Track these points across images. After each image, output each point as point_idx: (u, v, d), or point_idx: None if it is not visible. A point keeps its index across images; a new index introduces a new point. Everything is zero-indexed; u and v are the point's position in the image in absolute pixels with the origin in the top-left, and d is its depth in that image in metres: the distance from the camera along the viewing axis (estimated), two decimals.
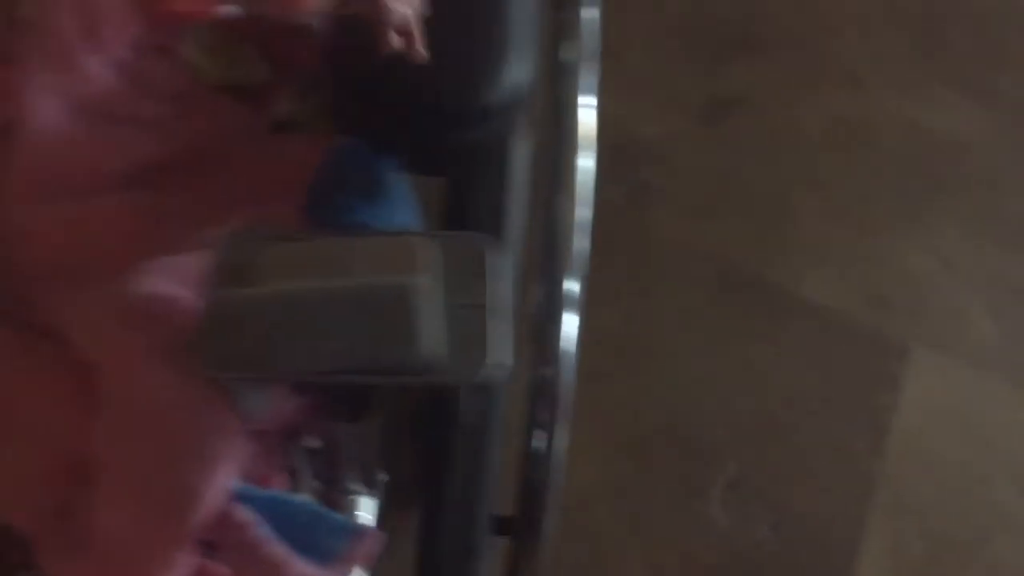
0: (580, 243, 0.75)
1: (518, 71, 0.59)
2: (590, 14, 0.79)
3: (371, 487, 0.54)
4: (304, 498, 0.42)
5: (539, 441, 0.75)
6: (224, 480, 0.41)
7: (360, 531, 0.41)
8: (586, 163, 0.78)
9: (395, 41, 0.51)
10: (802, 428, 1.33)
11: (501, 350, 0.38)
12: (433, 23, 0.52)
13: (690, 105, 1.56)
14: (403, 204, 0.47)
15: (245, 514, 0.41)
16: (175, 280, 0.46)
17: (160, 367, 0.42)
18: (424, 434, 0.60)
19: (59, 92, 0.54)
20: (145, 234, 0.51)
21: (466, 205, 0.50)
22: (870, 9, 1.64)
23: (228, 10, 0.59)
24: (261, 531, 0.40)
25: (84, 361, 0.45)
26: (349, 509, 0.50)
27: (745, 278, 1.42)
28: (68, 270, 0.50)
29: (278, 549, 0.40)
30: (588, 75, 0.77)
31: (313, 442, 0.50)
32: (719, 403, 1.34)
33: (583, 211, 0.76)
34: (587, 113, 0.78)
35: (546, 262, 0.74)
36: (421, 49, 0.52)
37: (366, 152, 0.48)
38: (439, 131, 0.50)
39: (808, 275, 1.42)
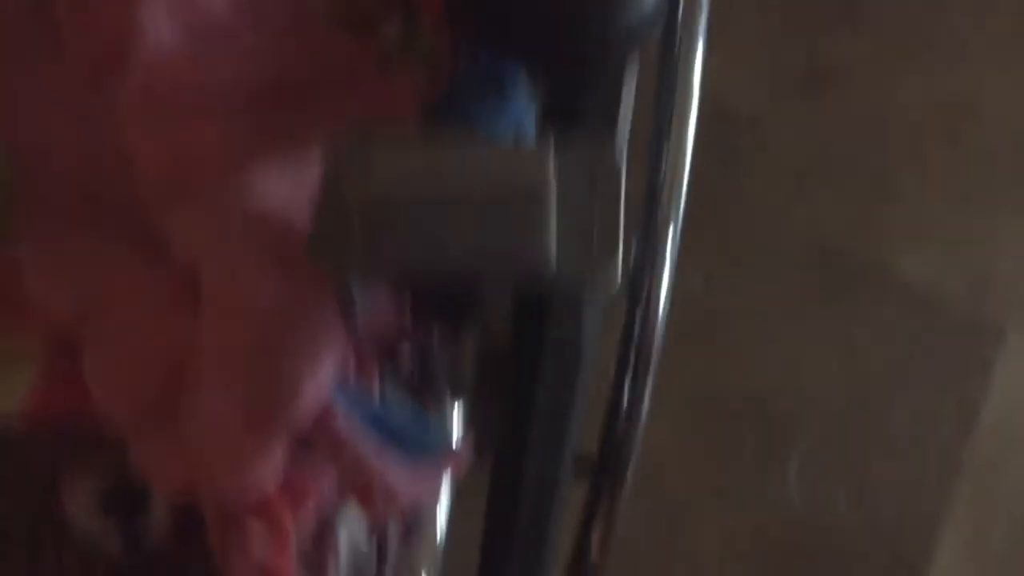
0: (680, 198, 0.75)
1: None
2: None
3: (460, 401, 0.55)
4: (397, 401, 0.42)
5: (626, 389, 0.76)
6: (325, 377, 0.42)
7: (452, 436, 0.41)
8: (692, 121, 0.77)
9: None
10: (887, 407, 1.31)
11: (617, 268, 0.38)
12: None
13: (790, 76, 1.53)
14: (523, 107, 0.46)
15: (343, 415, 0.41)
16: (278, 193, 0.46)
17: (266, 273, 0.43)
18: (513, 364, 0.60)
19: (173, 12, 0.55)
20: (253, 156, 0.52)
21: (579, 110, 0.49)
22: None
23: None
24: (357, 430, 0.41)
25: (188, 269, 0.46)
26: (439, 421, 0.50)
27: (839, 252, 1.40)
28: (175, 187, 0.51)
29: (374, 448, 0.41)
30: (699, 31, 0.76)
31: (407, 353, 0.50)
32: (803, 376, 1.33)
33: (687, 161, 0.76)
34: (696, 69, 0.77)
35: (648, 208, 0.73)
36: None
37: (489, 63, 0.47)
38: (572, 44, 0.48)
39: (905, 253, 1.39)
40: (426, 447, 0.42)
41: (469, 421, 0.56)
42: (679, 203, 0.76)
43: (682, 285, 1.36)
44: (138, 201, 0.50)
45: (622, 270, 0.73)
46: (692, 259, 1.35)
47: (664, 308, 0.76)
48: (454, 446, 0.42)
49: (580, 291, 0.37)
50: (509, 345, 0.65)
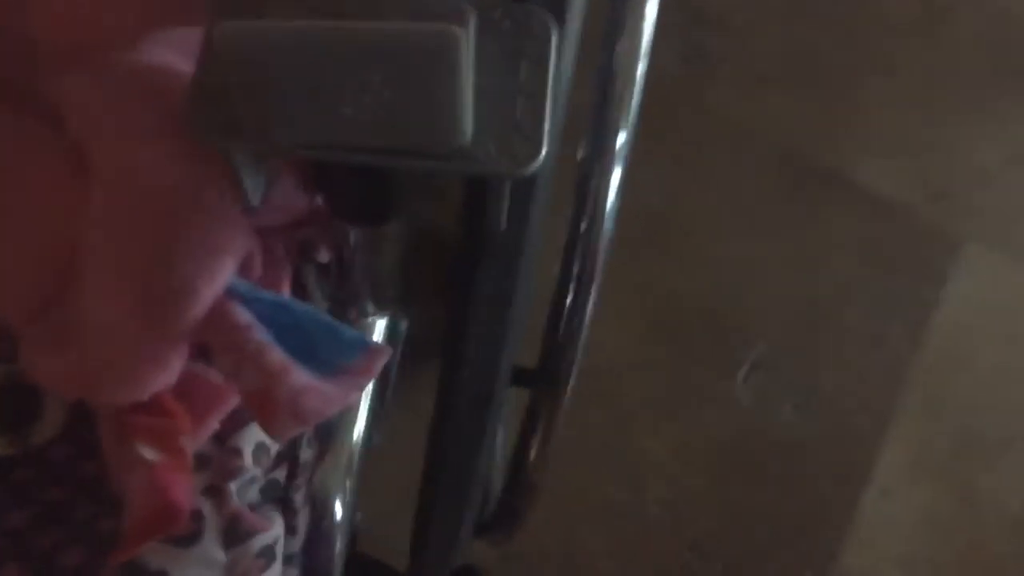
0: (635, 97, 0.72)
1: None
2: None
3: (383, 311, 0.52)
4: (309, 307, 0.39)
5: (569, 295, 0.73)
6: (223, 276, 0.38)
7: (369, 345, 0.38)
8: (651, 10, 0.73)
9: None
10: (840, 315, 1.30)
11: (547, 139, 0.33)
12: None
13: None
14: None
15: (244, 316, 0.38)
16: (178, 51, 0.42)
17: (157, 143, 0.39)
18: (448, 269, 0.57)
19: None
20: (153, 18, 0.47)
21: None
22: None
23: None
24: (261, 335, 0.37)
25: (80, 146, 0.42)
26: (360, 331, 0.47)
27: (801, 159, 1.37)
28: (68, 46, 0.47)
29: (279, 355, 0.38)
30: None
31: (323, 256, 0.47)
32: (758, 285, 1.31)
33: (642, 64, 0.72)
34: None
35: (598, 110, 0.70)
36: None
37: None
38: None
39: (867, 160, 1.37)
40: (338, 359, 0.39)
41: (393, 334, 0.53)
42: (631, 102, 0.73)
43: (638, 190, 1.34)
44: (33, 66, 0.46)
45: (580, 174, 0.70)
46: (649, 163, 1.33)
47: (613, 212, 0.73)
48: (375, 352, 0.39)
49: (498, 170, 0.33)
50: (445, 253, 0.62)
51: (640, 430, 1.25)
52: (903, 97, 1.41)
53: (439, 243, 0.60)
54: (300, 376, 0.38)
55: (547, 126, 0.34)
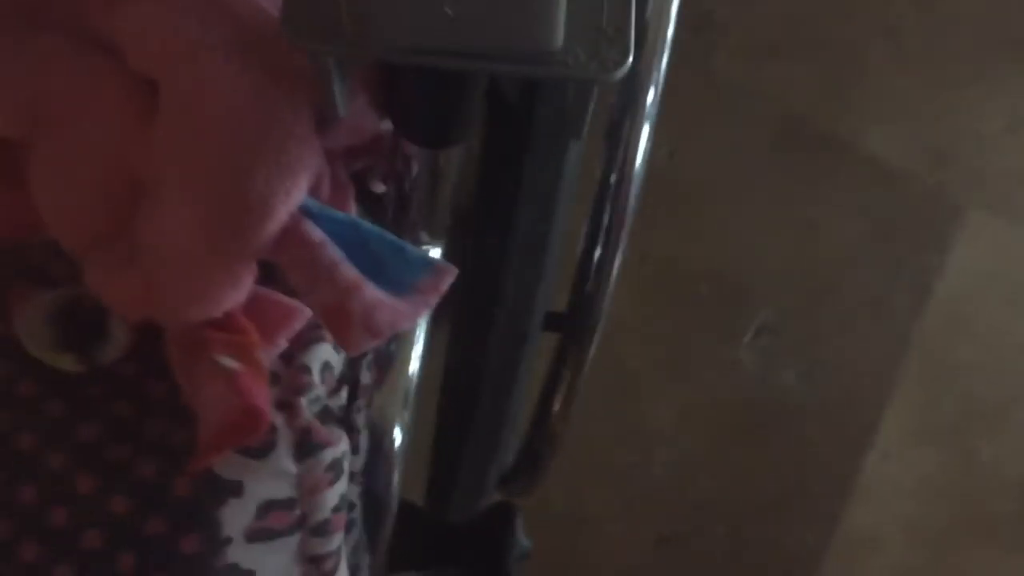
0: (665, 53, 0.72)
1: None
2: None
3: (437, 240, 0.52)
4: (377, 226, 0.39)
5: (597, 246, 0.74)
6: (297, 194, 0.37)
7: (435, 264, 0.38)
8: None
9: None
10: (844, 281, 1.31)
11: (629, 47, 0.34)
12: None
13: None
14: None
15: (317, 233, 0.38)
16: None
17: (230, 61, 0.38)
18: (482, 206, 0.58)
19: None
20: None
21: None
22: None
23: None
24: (333, 251, 0.38)
25: (143, 76, 0.42)
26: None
27: (806, 125, 1.38)
28: None
29: (351, 272, 0.38)
30: None
31: (378, 187, 0.47)
32: (763, 249, 1.32)
33: (673, 22, 0.73)
34: None
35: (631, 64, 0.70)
36: None
37: None
38: None
39: (871, 127, 1.37)
40: (407, 277, 0.39)
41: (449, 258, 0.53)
42: (662, 54, 0.73)
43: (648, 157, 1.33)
44: (86, 2, 0.46)
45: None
46: (658, 127, 1.33)
47: (643, 164, 0.73)
48: (441, 270, 0.39)
49: (588, 74, 0.33)
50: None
51: (645, 393, 1.26)
52: (905, 65, 1.42)
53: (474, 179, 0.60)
54: (372, 291, 0.38)
55: (632, 34, 0.35)
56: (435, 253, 0.52)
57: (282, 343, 0.42)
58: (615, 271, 0.74)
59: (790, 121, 1.38)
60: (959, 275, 1.32)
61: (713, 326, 1.29)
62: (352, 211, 0.42)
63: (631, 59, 0.34)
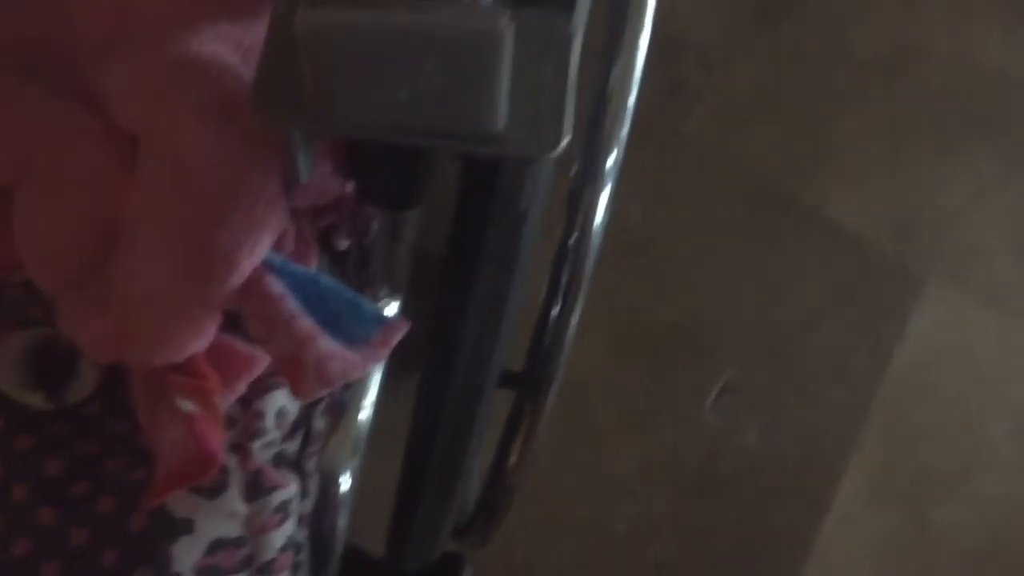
0: (627, 119, 0.75)
1: None
2: None
3: (396, 296, 0.55)
4: (335, 281, 0.41)
5: (555, 305, 0.76)
6: (261, 249, 0.40)
7: (388, 320, 0.41)
8: (644, 41, 0.77)
9: None
10: (807, 344, 1.34)
11: (564, 130, 0.37)
12: None
13: (742, 9, 1.53)
14: None
15: (278, 286, 0.41)
16: (224, 43, 0.45)
17: (206, 124, 0.41)
18: (447, 263, 0.60)
19: None
20: (194, 7, 0.50)
21: None
22: None
23: None
24: (292, 304, 0.40)
25: (126, 131, 0.45)
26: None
27: (774, 189, 1.42)
28: (114, 40, 0.49)
29: (307, 323, 0.40)
30: None
31: (342, 244, 0.50)
32: (730, 309, 1.35)
33: (635, 89, 0.76)
34: None
35: (593, 129, 0.73)
36: None
37: None
38: None
39: (837, 195, 1.42)
40: (360, 331, 0.42)
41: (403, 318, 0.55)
42: (623, 123, 0.76)
43: (619, 211, 1.37)
44: (77, 58, 0.49)
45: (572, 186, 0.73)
46: (631, 186, 1.36)
47: (601, 226, 0.76)
48: (393, 326, 0.41)
49: (527, 152, 0.37)
50: (442, 252, 0.65)
51: (609, 447, 1.28)
52: (872, 136, 1.47)
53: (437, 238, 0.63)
54: (326, 343, 0.41)
55: (568, 119, 0.38)
56: (393, 308, 0.54)
57: (241, 389, 0.44)
58: (572, 330, 0.76)
59: (759, 185, 1.42)
60: (918, 343, 1.35)
61: (678, 383, 1.31)
62: (314, 267, 0.45)
63: (566, 140, 0.37)
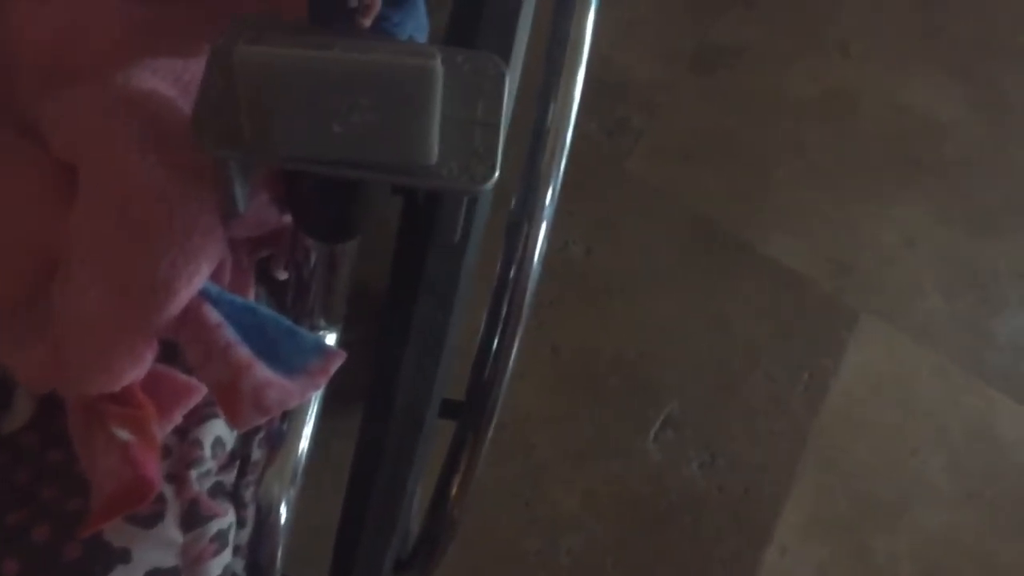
0: (564, 155, 0.77)
1: None
2: None
3: (333, 326, 0.55)
4: (272, 311, 0.42)
5: (495, 336, 0.78)
6: (199, 278, 0.41)
7: (326, 349, 0.42)
8: (580, 77, 0.79)
9: None
10: (746, 378, 1.36)
11: (499, 164, 0.39)
12: None
13: (681, 53, 1.57)
14: (413, 16, 0.47)
15: (214, 315, 0.41)
16: (163, 78, 0.46)
17: (145, 155, 0.42)
18: (389, 295, 0.61)
19: None
20: (135, 42, 0.51)
21: (473, 22, 0.50)
22: None
23: None
24: (229, 333, 0.41)
25: (63, 161, 0.45)
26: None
27: (713, 228, 1.45)
28: (55, 71, 0.50)
29: (244, 352, 0.41)
30: None
31: (281, 274, 0.51)
32: (671, 344, 1.37)
33: (571, 125, 0.78)
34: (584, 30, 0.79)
35: (530, 164, 0.75)
36: None
37: None
38: None
39: (775, 234, 1.45)
40: (298, 360, 0.42)
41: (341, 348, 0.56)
42: (560, 159, 0.78)
43: (563, 249, 1.39)
44: (15, 84, 0.49)
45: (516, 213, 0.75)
46: (574, 223, 1.38)
47: (539, 259, 0.78)
48: (331, 355, 0.42)
49: (460, 186, 0.38)
50: (382, 284, 0.66)
51: (553, 481, 1.29)
52: (810, 177, 1.51)
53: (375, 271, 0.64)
54: (263, 371, 0.42)
55: (500, 153, 0.39)
56: (331, 338, 0.55)
57: (177, 418, 0.44)
58: (511, 362, 0.78)
59: (700, 223, 1.45)
60: (854, 377, 1.38)
61: (621, 417, 1.33)
62: (251, 296, 0.46)
63: (497, 174, 0.39)
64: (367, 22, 0.40)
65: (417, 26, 0.44)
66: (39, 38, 0.51)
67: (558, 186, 0.78)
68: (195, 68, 0.46)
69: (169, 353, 0.44)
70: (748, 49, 1.59)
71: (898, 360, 1.40)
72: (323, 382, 0.42)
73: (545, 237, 0.75)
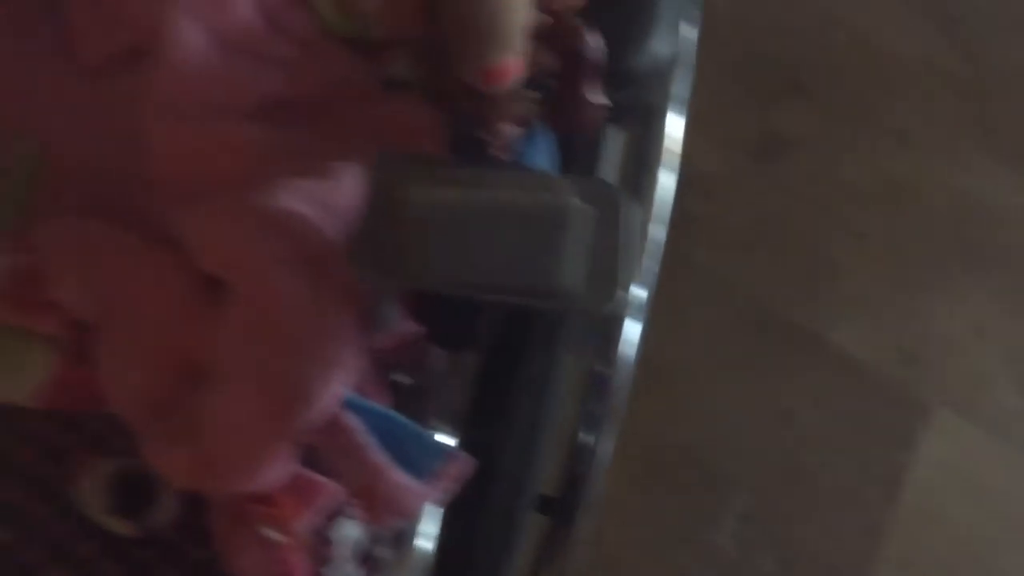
0: (652, 258, 0.79)
1: (662, 43, 0.64)
2: (689, 33, 0.82)
3: (453, 428, 0.56)
4: (404, 417, 0.44)
5: (587, 435, 0.78)
6: (338, 387, 0.43)
7: (454, 453, 0.43)
8: (668, 180, 0.81)
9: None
10: (818, 471, 1.34)
11: (628, 285, 0.42)
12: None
13: (742, 144, 1.59)
14: (546, 152, 0.49)
15: (352, 420, 0.43)
16: (301, 199, 0.48)
17: (292, 274, 0.44)
18: (488, 395, 0.62)
19: (202, 19, 0.56)
20: (266, 163, 0.53)
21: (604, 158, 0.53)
22: (931, 73, 1.67)
23: None
24: (365, 438, 0.42)
25: (202, 269, 0.47)
26: None
27: (779, 317, 1.44)
28: (191, 187, 0.52)
29: (380, 457, 0.42)
30: (682, 88, 0.80)
31: (404, 378, 0.52)
32: (740, 435, 1.36)
33: (659, 227, 0.80)
34: (675, 126, 0.80)
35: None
36: None
37: None
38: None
39: (840, 323, 1.44)
40: (427, 464, 0.44)
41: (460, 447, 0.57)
42: (656, 261, 0.80)
43: None
44: (154, 198, 0.51)
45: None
46: None
47: (635, 358, 0.78)
48: (458, 459, 0.43)
49: (586, 305, 0.42)
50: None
51: (625, 574, 1.27)
52: (873, 266, 1.50)
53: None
54: (397, 475, 0.43)
55: (619, 274, 0.42)
56: (450, 443, 0.56)
57: (313, 517, 0.45)
58: (607, 460, 0.77)
59: (765, 313, 1.45)
60: (926, 472, 1.36)
61: (693, 509, 1.31)
62: (386, 404, 0.47)
63: (619, 293, 0.41)
64: (505, 155, 0.43)
65: (542, 153, 0.47)
66: (174, 159, 0.53)
67: (652, 289, 0.79)
68: (328, 190, 0.49)
69: (304, 453, 0.45)
70: (807, 137, 1.60)
71: (971, 452, 1.38)
72: (452, 485, 0.44)
73: (642, 337, 0.76)
